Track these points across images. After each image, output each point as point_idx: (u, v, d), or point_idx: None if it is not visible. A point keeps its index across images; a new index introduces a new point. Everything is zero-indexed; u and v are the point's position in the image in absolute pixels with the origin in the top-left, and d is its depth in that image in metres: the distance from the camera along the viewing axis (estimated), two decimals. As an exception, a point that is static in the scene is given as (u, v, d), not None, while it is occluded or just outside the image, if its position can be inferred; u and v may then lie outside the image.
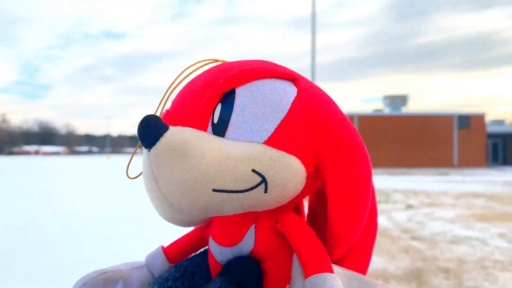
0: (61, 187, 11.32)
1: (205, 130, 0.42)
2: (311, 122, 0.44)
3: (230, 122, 0.42)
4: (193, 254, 0.52)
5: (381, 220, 6.04)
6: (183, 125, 0.42)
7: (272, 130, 0.42)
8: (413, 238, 4.88)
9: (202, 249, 0.52)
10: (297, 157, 0.42)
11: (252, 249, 0.45)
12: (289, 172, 0.41)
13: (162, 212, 0.44)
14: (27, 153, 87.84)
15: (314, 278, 0.39)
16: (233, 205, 0.41)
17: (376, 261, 3.81)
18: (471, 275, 3.46)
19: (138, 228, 5.32)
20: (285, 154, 0.41)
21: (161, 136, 0.39)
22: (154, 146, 0.39)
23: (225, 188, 0.39)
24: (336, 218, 0.44)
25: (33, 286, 3.14)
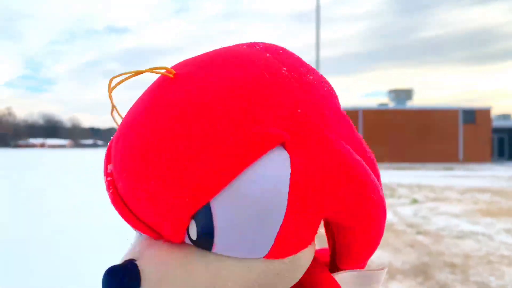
0: (68, 179, 11.39)
1: (180, 241, 0.33)
2: (319, 196, 0.33)
3: (215, 242, 0.31)
4: None
5: (387, 215, 6.05)
6: (159, 234, 0.33)
7: (273, 241, 0.32)
8: (418, 232, 4.89)
9: None
10: (310, 243, 0.35)
11: None
12: (301, 269, 0.36)
13: None
14: (33, 146, 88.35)
15: None
16: None
17: (382, 256, 3.82)
18: (477, 270, 3.46)
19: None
20: (292, 258, 0.34)
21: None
22: None
23: None
24: (349, 259, 0.41)
25: (44, 274, 3.18)
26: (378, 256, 3.76)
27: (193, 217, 0.31)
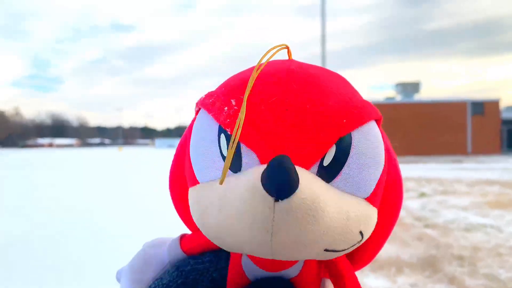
0: (77, 179, 11.49)
1: (308, 168, 0.37)
2: (389, 170, 0.45)
3: (342, 170, 0.38)
4: (195, 260, 0.48)
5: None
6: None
7: (374, 186, 0.40)
8: (426, 226, 4.86)
9: (205, 256, 0.48)
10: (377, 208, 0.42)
11: (293, 278, 0.44)
12: (374, 226, 0.42)
13: (240, 247, 0.37)
14: (41, 145, 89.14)
15: None
16: (330, 257, 0.39)
17: (389, 249, 3.80)
18: (486, 262, 3.43)
19: (149, 220, 5.38)
20: (375, 210, 0.41)
21: (297, 189, 0.32)
22: (287, 199, 0.32)
23: (336, 249, 0.37)
24: (365, 248, 0.47)
25: (51, 275, 3.21)
26: (386, 250, 3.75)
27: (336, 142, 0.37)
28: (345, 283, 0.44)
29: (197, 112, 0.44)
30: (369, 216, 0.39)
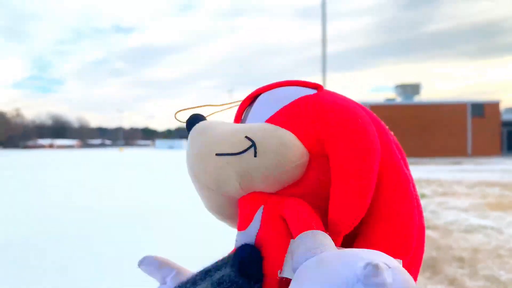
0: (77, 180, 11.49)
1: None
2: (317, 111, 0.47)
3: (248, 116, 0.53)
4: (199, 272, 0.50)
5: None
6: None
7: (273, 113, 0.49)
8: (427, 227, 4.85)
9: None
10: (293, 133, 0.46)
11: (257, 232, 0.45)
12: (280, 141, 0.45)
13: (207, 201, 0.52)
14: (42, 146, 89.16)
15: (300, 236, 0.39)
16: (233, 169, 0.45)
17: (390, 251, 3.80)
18: (486, 264, 3.44)
19: (150, 221, 5.38)
20: (279, 128, 0.46)
21: (196, 124, 0.49)
22: (191, 130, 0.49)
23: (224, 152, 0.45)
24: (336, 197, 0.43)
25: (50, 275, 3.22)
26: (386, 251, 3.75)
27: (250, 104, 0.56)
28: (287, 210, 0.44)
29: None
30: (261, 127, 0.46)
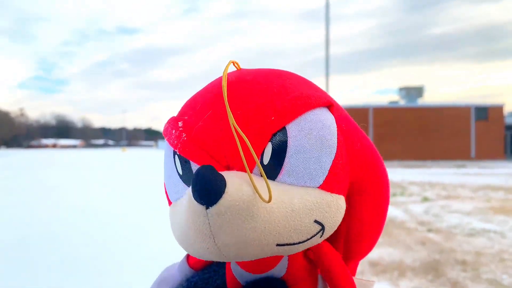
0: (79, 180, 11.52)
1: (251, 171, 0.38)
2: (352, 155, 0.44)
3: (284, 166, 0.39)
4: (202, 271, 0.52)
5: (397, 213, 6.01)
6: (227, 166, 0.39)
7: (326, 173, 0.40)
8: (429, 230, 4.85)
9: (211, 267, 0.52)
10: (343, 195, 0.42)
11: (282, 276, 0.45)
12: (340, 214, 0.41)
13: (201, 254, 0.39)
14: (45, 146, 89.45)
15: None
16: (290, 252, 0.40)
17: (393, 253, 3.80)
18: (489, 268, 3.43)
19: (153, 218, 5.40)
20: (337, 196, 0.41)
21: (223, 193, 0.34)
22: (216, 205, 0.34)
23: (289, 242, 0.38)
24: (362, 236, 0.47)
25: (51, 274, 3.23)
26: (389, 254, 3.75)
27: (271, 139, 0.38)
28: (332, 277, 0.44)
29: None
30: (326, 204, 0.39)
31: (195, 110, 0.42)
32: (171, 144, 0.42)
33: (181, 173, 0.42)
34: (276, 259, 0.44)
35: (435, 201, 7.17)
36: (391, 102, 27.25)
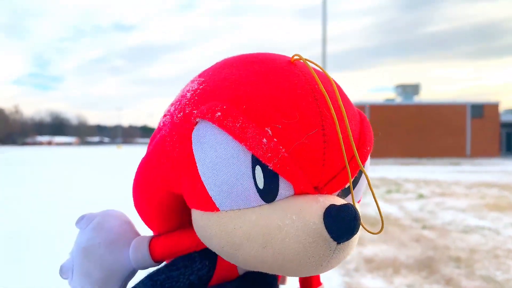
0: (74, 177, 11.48)
1: (335, 193, 0.41)
2: None
3: (356, 187, 0.43)
4: (167, 267, 0.46)
5: (392, 210, 6.02)
6: (316, 188, 0.38)
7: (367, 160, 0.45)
8: (424, 227, 4.86)
9: (178, 261, 0.46)
10: None
11: None
12: None
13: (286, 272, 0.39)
14: (40, 143, 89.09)
15: None
16: None
17: (387, 250, 3.80)
18: (483, 264, 3.43)
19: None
20: None
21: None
22: (346, 241, 0.36)
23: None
24: None
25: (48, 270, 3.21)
26: (384, 250, 3.75)
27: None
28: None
29: (193, 123, 0.39)
30: None
31: (291, 119, 0.37)
32: (260, 156, 0.35)
33: (261, 187, 0.36)
34: None
35: (430, 198, 7.19)
36: (387, 100, 27.31)
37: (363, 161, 0.39)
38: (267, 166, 0.35)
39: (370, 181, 0.41)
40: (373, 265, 3.42)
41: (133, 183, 0.46)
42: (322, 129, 0.37)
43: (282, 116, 0.37)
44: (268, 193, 0.37)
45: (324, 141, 0.37)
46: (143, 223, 0.51)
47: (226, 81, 0.40)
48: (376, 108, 24.09)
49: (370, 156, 0.43)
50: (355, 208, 0.35)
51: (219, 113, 0.37)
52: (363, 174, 0.41)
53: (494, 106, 24.60)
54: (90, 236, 0.46)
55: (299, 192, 0.37)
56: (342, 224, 0.34)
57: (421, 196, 7.41)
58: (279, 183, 0.36)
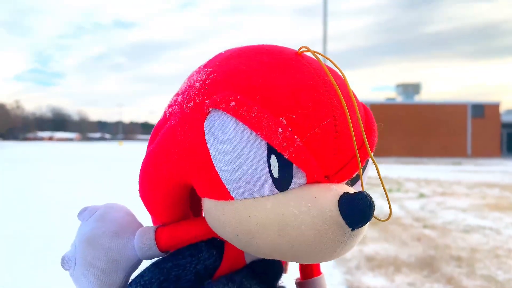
0: (75, 173, 11.48)
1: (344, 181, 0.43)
2: None
3: (363, 175, 0.45)
4: (174, 256, 0.46)
5: (393, 209, 6.03)
6: (327, 176, 0.40)
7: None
8: (425, 226, 4.87)
9: (184, 251, 0.46)
10: None
11: None
12: None
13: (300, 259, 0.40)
14: (41, 139, 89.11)
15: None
16: None
17: (388, 249, 3.82)
18: (484, 264, 3.45)
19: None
20: None
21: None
22: (361, 228, 0.38)
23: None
24: None
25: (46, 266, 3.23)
26: (385, 249, 3.76)
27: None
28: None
29: (205, 113, 0.39)
30: None
31: (305, 109, 0.37)
32: (276, 145, 0.36)
33: (276, 175, 0.37)
34: None
35: (431, 198, 7.19)
36: (388, 99, 27.30)
37: (372, 150, 0.42)
38: (283, 155, 0.36)
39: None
40: (374, 263, 3.44)
41: (140, 172, 0.46)
42: (334, 119, 0.38)
43: (296, 106, 0.37)
44: (283, 182, 0.37)
45: (336, 131, 0.38)
46: (145, 217, 0.51)
47: (236, 71, 0.40)
48: (377, 107, 24.05)
49: None
50: (369, 195, 0.36)
51: (233, 103, 0.37)
52: (366, 166, 0.43)
53: (495, 106, 24.58)
54: (94, 226, 0.46)
55: (311, 181, 0.38)
56: (357, 211, 0.35)
57: (422, 196, 7.42)
58: (293, 172, 0.37)
